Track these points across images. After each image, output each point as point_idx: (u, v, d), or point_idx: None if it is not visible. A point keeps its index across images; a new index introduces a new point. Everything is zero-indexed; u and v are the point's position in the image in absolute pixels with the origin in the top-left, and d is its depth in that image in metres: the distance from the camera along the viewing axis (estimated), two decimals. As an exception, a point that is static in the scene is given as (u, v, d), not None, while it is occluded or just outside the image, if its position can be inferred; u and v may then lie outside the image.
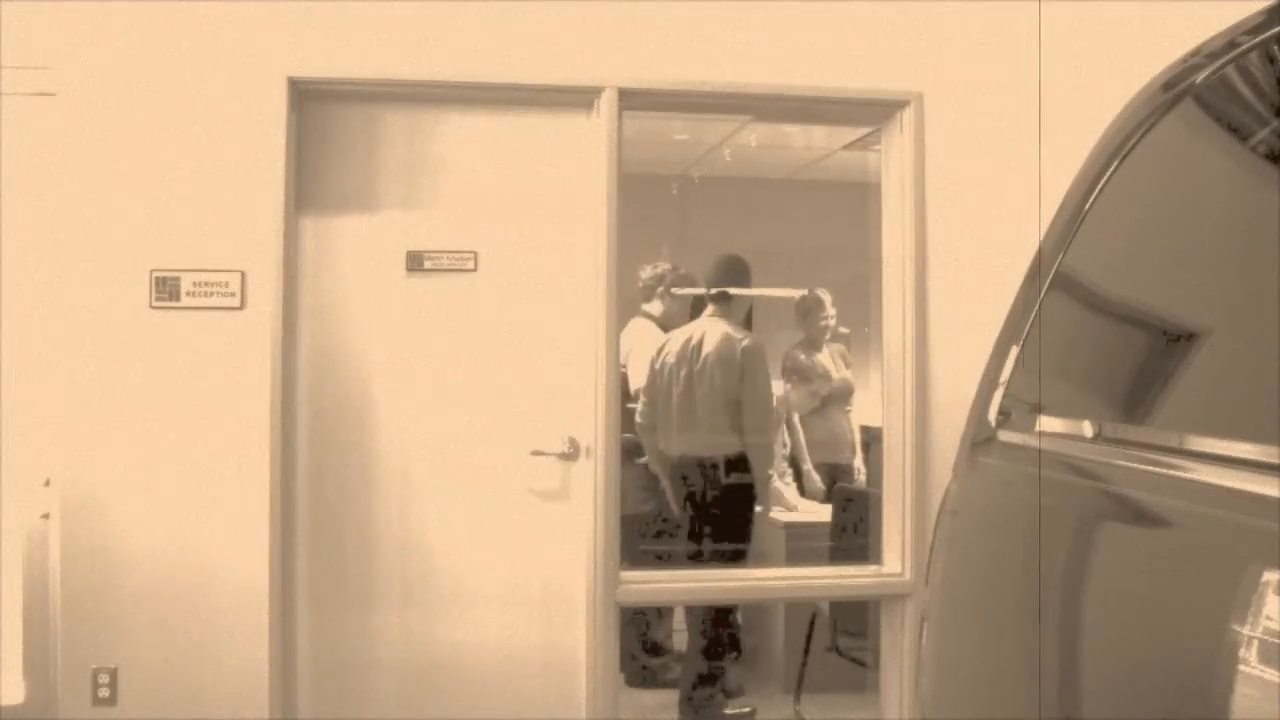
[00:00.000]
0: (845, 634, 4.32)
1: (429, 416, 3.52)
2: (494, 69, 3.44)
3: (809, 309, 5.38)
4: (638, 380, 4.74)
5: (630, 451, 4.52)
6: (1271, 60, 1.50)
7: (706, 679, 4.52)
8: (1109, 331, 1.73)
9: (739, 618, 4.77)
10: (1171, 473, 1.33)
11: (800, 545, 4.72)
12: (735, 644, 4.75)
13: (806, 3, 3.59)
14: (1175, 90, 1.65)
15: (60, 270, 3.29)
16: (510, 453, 3.54)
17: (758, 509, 4.66)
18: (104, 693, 3.26)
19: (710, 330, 4.66)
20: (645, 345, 4.82)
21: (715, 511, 4.59)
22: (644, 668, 4.85)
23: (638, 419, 4.67)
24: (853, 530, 4.41)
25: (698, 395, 4.57)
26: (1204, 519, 1.25)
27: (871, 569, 3.75)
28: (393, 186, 3.53)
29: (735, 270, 4.84)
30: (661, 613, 4.93)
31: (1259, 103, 1.57)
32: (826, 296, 5.35)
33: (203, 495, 3.31)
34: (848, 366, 5.47)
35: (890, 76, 3.61)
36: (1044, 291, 1.78)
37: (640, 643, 4.87)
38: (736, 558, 4.61)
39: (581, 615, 3.51)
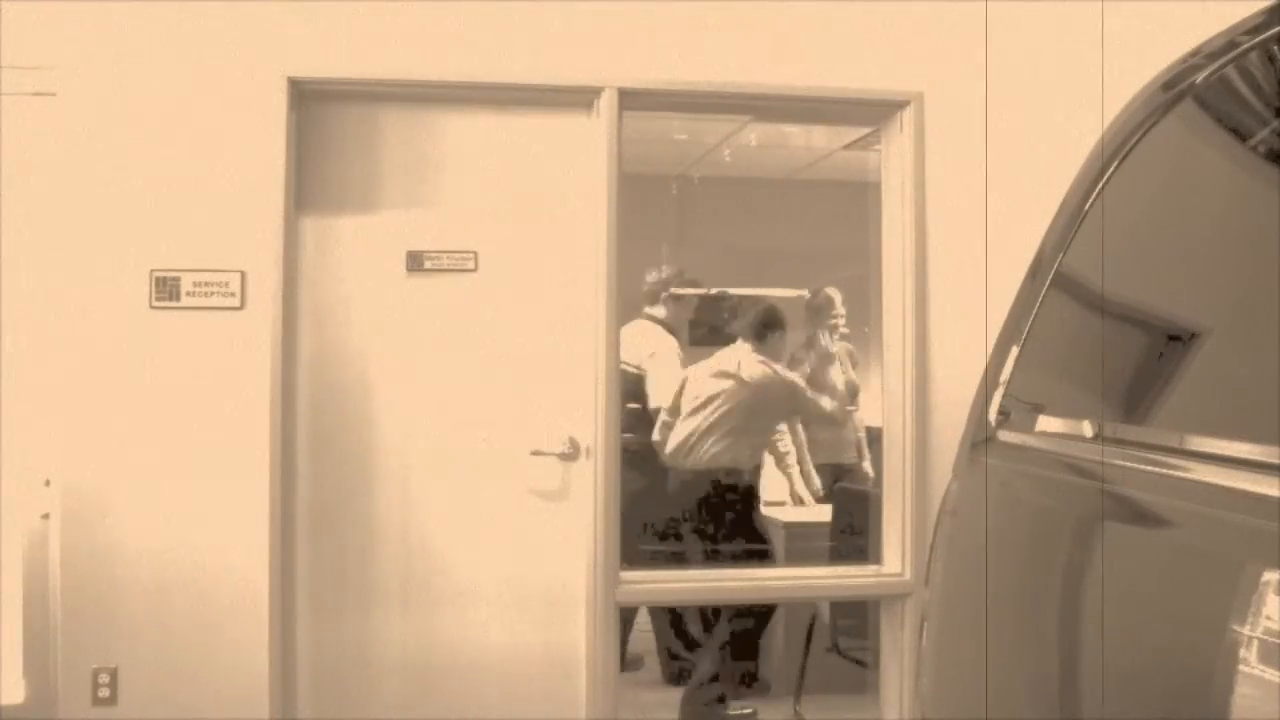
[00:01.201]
0: (845, 634, 4.33)
1: (429, 416, 3.52)
2: (494, 69, 3.44)
3: (819, 307, 5.36)
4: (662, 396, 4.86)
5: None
6: (1271, 60, 1.50)
7: (714, 679, 4.53)
8: (1109, 331, 1.73)
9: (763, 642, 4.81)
10: (1171, 473, 1.33)
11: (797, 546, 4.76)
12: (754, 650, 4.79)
13: (807, 3, 3.59)
14: (1175, 90, 1.65)
15: (60, 270, 3.28)
16: (510, 453, 3.54)
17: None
18: (104, 693, 3.26)
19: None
20: (649, 345, 4.92)
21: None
22: (680, 666, 4.82)
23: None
24: (851, 531, 4.41)
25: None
26: (1204, 519, 1.25)
27: (871, 569, 3.75)
28: (393, 186, 3.53)
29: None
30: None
31: (1259, 103, 1.57)
32: (837, 295, 5.32)
33: (203, 495, 3.31)
34: (854, 366, 5.46)
35: (890, 76, 3.60)
36: (1044, 291, 1.78)
37: (678, 638, 4.85)
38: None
39: (581, 615, 3.51)
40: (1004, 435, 1.79)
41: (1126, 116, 1.74)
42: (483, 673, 3.51)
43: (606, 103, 3.47)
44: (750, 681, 4.79)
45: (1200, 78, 1.60)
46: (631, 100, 3.51)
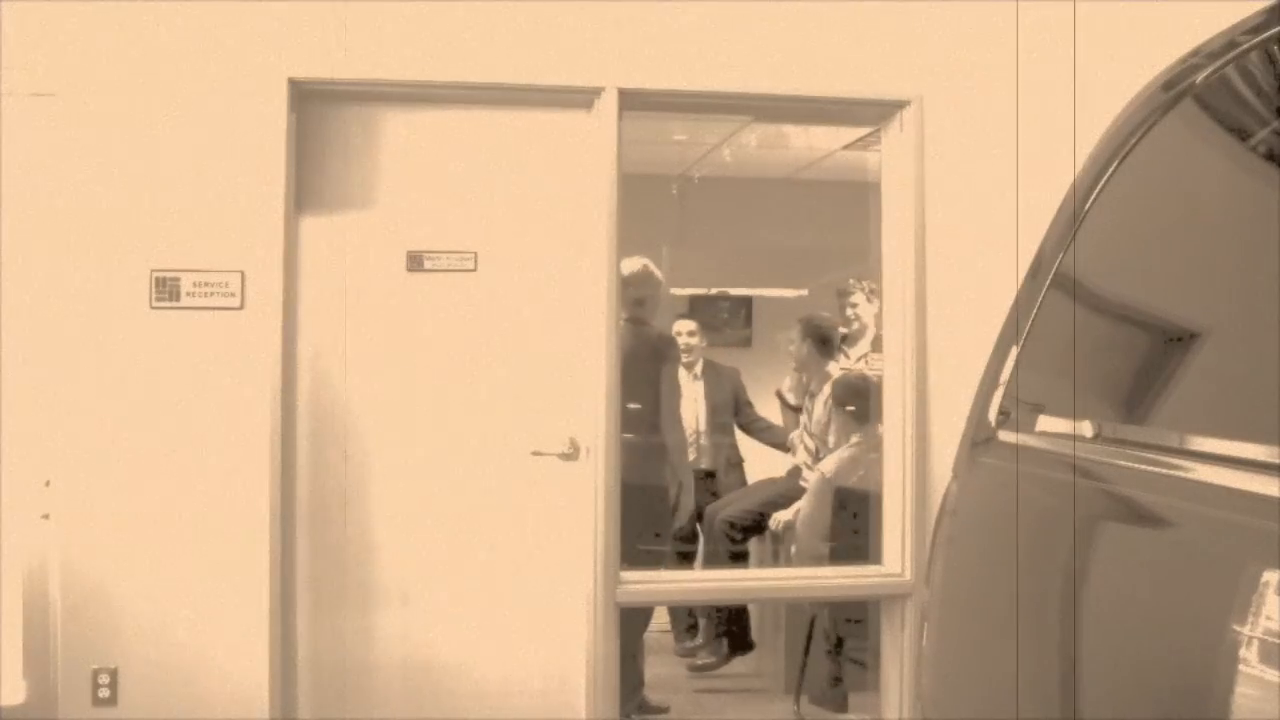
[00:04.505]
0: (847, 636, 4.33)
1: (429, 417, 3.52)
2: (494, 69, 3.44)
3: (838, 295, 5.37)
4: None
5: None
6: (1271, 60, 1.50)
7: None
8: (1109, 331, 1.73)
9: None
10: (1171, 473, 1.32)
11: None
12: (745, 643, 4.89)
13: (807, 3, 3.59)
14: (1175, 90, 1.65)
15: (60, 270, 3.28)
16: (510, 453, 3.54)
17: None
18: (104, 693, 3.26)
19: None
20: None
21: None
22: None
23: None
24: (851, 531, 4.41)
25: None
26: (1204, 519, 1.25)
27: (871, 569, 3.74)
28: (393, 186, 3.53)
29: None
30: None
31: (1259, 103, 1.57)
32: (861, 285, 5.28)
33: (203, 495, 3.31)
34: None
35: (890, 77, 3.60)
36: (1044, 291, 1.78)
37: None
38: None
39: (582, 615, 3.51)
40: (1004, 435, 1.79)
41: (1126, 116, 1.74)
42: (483, 673, 3.51)
43: (606, 103, 3.47)
44: (742, 647, 4.95)
45: (1200, 78, 1.60)
46: (631, 100, 3.51)
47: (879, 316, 5.12)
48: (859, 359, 4.97)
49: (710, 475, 5.25)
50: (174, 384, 3.31)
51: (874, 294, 5.16)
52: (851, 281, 5.28)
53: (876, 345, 5.11)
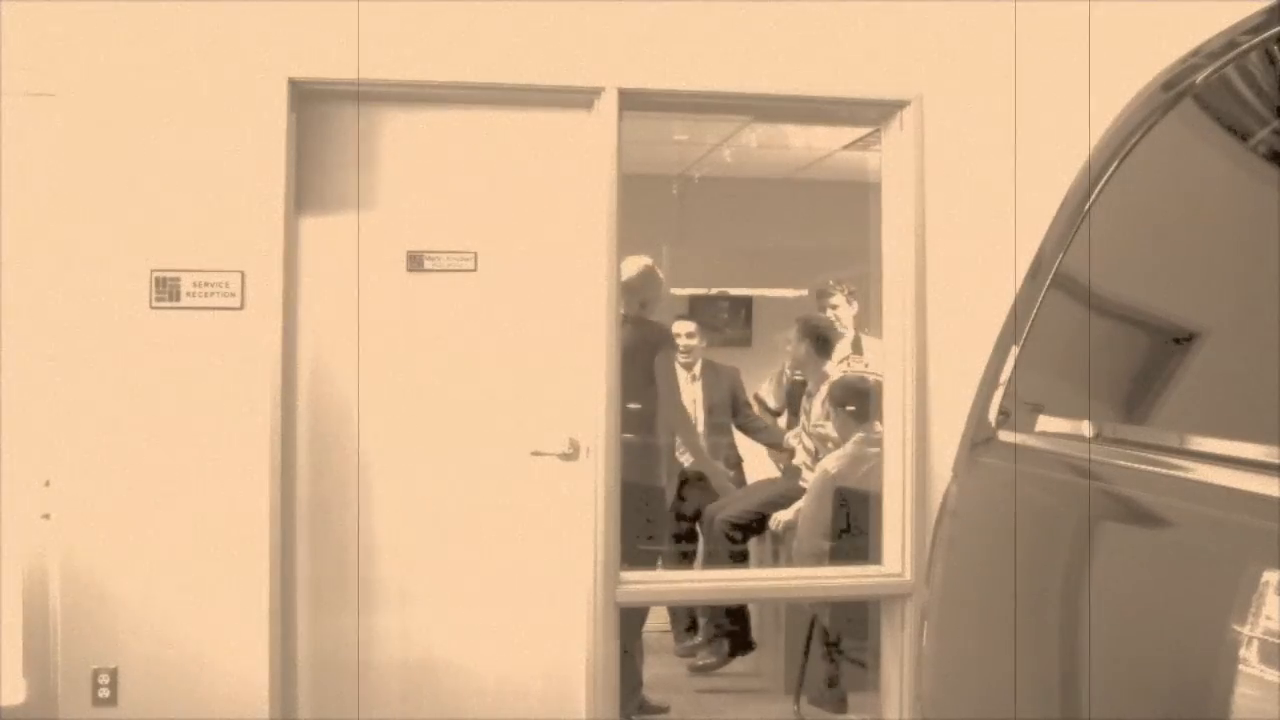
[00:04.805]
0: (846, 635, 4.33)
1: (429, 417, 3.52)
2: (494, 69, 3.44)
3: (818, 292, 5.38)
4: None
5: None
6: (1271, 60, 1.50)
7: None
8: (1109, 331, 1.73)
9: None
10: (1171, 473, 1.33)
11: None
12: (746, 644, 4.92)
13: (807, 3, 3.59)
14: (1175, 90, 1.65)
15: (60, 270, 3.28)
16: (510, 453, 3.54)
17: None
18: (104, 693, 3.26)
19: None
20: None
21: None
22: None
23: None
24: (854, 531, 4.41)
25: None
26: (1204, 519, 1.25)
27: (871, 569, 3.74)
28: (393, 186, 3.53)
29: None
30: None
31: (1259, 103, 1.57)
32: (840, 287, 5.28)
33: (203, 495, 3.31)
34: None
35: (890, 77, 3.60)
36: (1044, 291, 1.78)
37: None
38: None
39: (582, 615, 3.51)
40: (1004, 435, 1.79)
41: (1126, 116, 1.74)
42: (482, 673, 3.51)
43: (606, 103, 3.47)
44: (742, 647, 4.95)
45: (1200, 78, 1.60)
46: (631, 100, 3.51)
47: (858, 318, 5.15)
48: (841, 360, 4.95)
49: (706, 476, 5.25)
50: (174, 384, 3.31)
51: (853, 295, 5.18)
52: (831, 283, 5.28)
53: (856, 347, 5.13)
